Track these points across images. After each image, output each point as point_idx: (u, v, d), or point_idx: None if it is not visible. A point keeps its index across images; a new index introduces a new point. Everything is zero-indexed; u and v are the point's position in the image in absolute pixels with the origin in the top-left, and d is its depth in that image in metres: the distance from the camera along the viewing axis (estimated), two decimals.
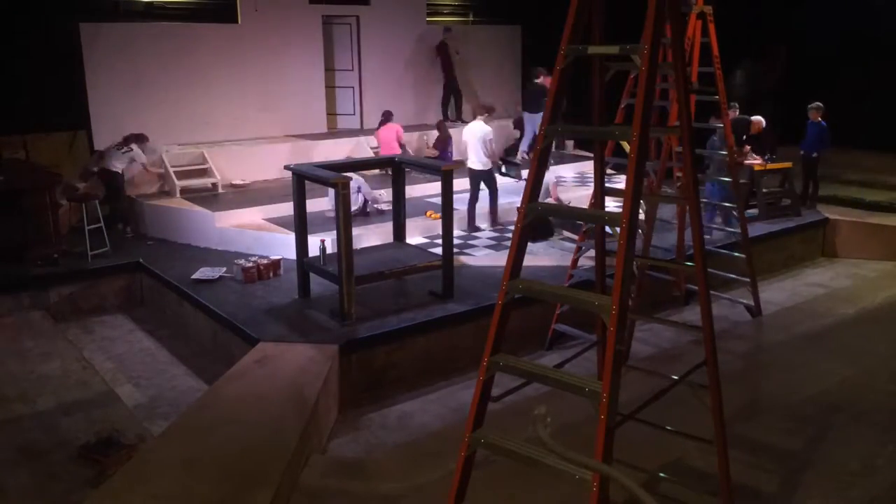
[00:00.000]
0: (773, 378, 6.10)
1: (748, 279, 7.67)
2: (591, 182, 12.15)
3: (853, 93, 12.78)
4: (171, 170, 10.15)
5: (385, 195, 9.28)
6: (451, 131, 11.96)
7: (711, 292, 7.21)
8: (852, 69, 12.98)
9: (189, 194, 10.07)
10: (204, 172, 10.52)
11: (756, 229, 9.54)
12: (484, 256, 8.63)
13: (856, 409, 5.48)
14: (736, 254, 7.82)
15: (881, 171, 12.06)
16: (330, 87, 12.94)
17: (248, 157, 11.20)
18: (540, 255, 8.60)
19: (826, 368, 6.21)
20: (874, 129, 12.32)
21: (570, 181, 11.90)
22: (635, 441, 5.02)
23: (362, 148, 11.92)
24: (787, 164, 10.53)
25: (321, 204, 9.32)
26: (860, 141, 12.62)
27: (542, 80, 11.80)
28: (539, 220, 7.20)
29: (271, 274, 7.95)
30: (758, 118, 10.33)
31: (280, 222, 9.34)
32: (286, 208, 9.41)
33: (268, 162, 11.16)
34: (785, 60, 13.68)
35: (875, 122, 12.34)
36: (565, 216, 6.75)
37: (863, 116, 12.47)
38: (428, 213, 9.52)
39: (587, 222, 6.51)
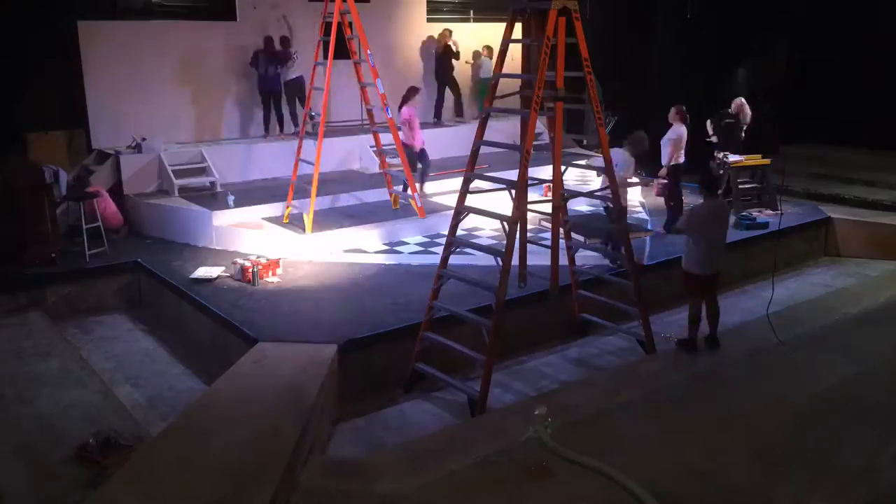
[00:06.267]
0: (774, 377, 6.06)
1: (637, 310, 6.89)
2: (591, 181, 12.12)
3: (855, 90, 12.75)
4: (170, 168, 10.12)
5: None
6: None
7: (608, 324, 7.30)
8: (854, 66, 12.94)
9: (187, 193, 10.04)
10: (202, 171, 10.49)
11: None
12: (484, 257, 8.56)
13: (858, 409, 5.45)
14: (624, 280, 6.96)
15: (884, 169, 12.01)
16: None
17: (246, 156, 11.18)
18: (540, 255, 8.55)
19: (828, 368, 6.18)
20: (877, 127, 12.27)
21: (572, 181, 11.83)
22: (636, 442, 5.00)
23: (362, 146, 11.89)
24: (766, 161, 10.63)
25: (323, 202, 9.32)
26: (863, 139, 12.59)
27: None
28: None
29: (270, 273, 7.91)
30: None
31: (278, 221, 9.33)
32: (284, 208, 9.43)
33: (266, 161, 11.14)
34: (785, 58, 13.64)
35: (878, 120, 12.29)
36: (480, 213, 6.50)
37: (866, 114, 12.42)
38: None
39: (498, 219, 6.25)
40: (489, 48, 13.26)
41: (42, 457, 5.14)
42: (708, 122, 10.77)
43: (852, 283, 9.13)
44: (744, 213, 10.09)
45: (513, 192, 6.10)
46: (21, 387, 6.16)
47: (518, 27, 6.54)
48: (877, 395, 5.69)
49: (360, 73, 9.46)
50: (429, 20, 13.64)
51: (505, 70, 6.41)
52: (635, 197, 11.48)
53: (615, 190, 6.67)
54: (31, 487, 4.81)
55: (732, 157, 10.57)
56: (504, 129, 11.22)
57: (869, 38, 12.84)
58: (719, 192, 10.37)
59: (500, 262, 5.98)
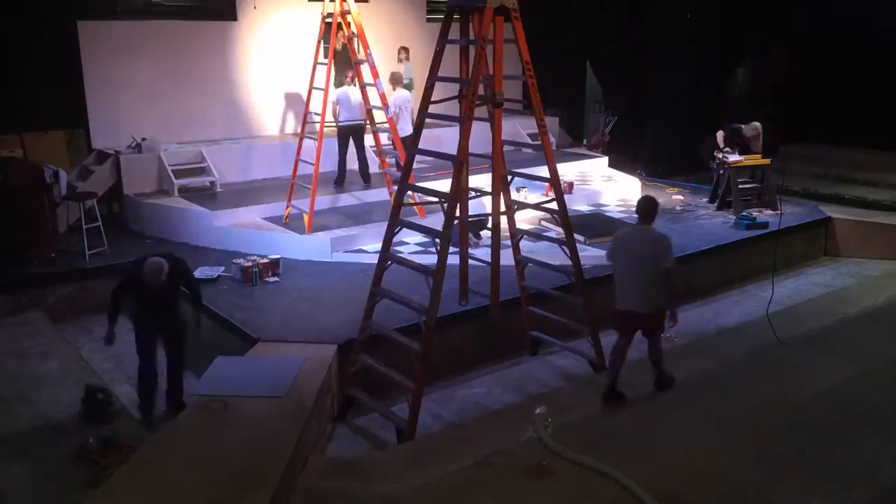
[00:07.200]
0: (774, 378, 6.06)
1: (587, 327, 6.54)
2: (591, 180, 12.13)
3: (856, 90, 12.74)
4: (169, 168, 10.12)
5: None
6: None
7: (557, 342, 6.85)
8: (855, 66, 12.94)
9: (187, 193, 10.03)
10: (202, 171, 10.49)
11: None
12: (485, 256, 8.56)
13: (858, 409, 5.45)
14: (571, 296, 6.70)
15: (884, 169, 12.01)
16: None
17: (246, 156, 11.18)
18: (540, 255, 8.56)
19: (828, 368, 6.17)
20: (877, 127, 12.27)
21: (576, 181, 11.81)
22: (636, 442, 5.00)
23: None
24: (765, 161, 10.67)
25: (323, 202, 9.29)
26: (863, 139, 12.58)
27: None
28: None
29: (270, 273, 7.91)
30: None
31: (278, 221, 9.32)
32: (284, 208, 9.42)
33: (266, 160, 11.13)
34: (786, 57, 13.64)
35: (878, 120, 12.29)
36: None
37: (866, 114, 12.42)
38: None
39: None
40: (406, 49, 12.63)
41: (42, 457, 5.14)
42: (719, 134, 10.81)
43: (852, 283, 9.12)
44: (744, 213, 10.09)
45: (445, 205, 5.60)
46: (21, 387, 6.16)
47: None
48: (877, 395, 5.69)
49: (360, 73, 9.46)
50: (428, 20, 13.64)
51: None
52: (635, 196, 11.48)
53: (561, 200, 6.33)
54: (31, 487, 4.82)
55: (732, 158, 10.58)
56: (503, 129, 11.22)
57: (869, 37, 12.84)
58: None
59: (430, 282, 5.51)
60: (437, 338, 6.66)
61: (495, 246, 6.42)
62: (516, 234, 6.82)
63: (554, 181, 6.30)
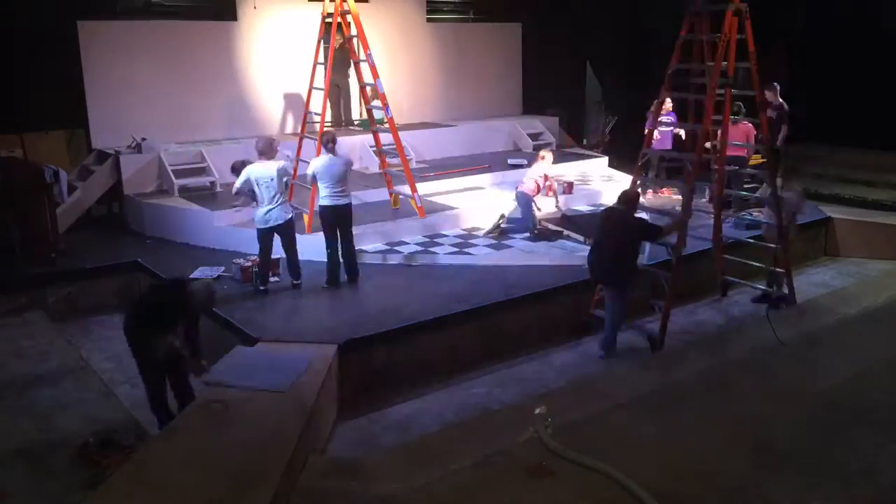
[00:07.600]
0: (774, 377, 6.06)
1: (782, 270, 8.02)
2: (591, 180, 12.12)
3: (856, 90, 12.74)
4: (170, 168, 10.12)
5: None
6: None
7: (743, 282, 8.29)
8: (855, 65, 12.94)
9: (187, 193, 10.04)
10: (202, 171, 10.49)
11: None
12: (485, 256, 8.58)
13: (857, 409, 5.44)
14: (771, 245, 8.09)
15: (884, 169, 12.01)
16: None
17: (246, 156, 11.14)
18: (540, 255, 8.57)
19: (827, 368, 6.17)
20: (877, 127, 12.27)
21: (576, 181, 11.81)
22: (636, 442, 5.00)
23: (362, 146, 11.88)
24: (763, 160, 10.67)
25: None
26: (863, 139, 12.59)
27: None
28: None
29: (270, 273, 7.90)
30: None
31: None
32: None
33: None
34: (786, 57, 13.64)
35: (878, 119, 12.29)
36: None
37: (866, 114, 12.43)
38: None
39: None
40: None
41: (42, 457, 5.14)
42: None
43: (852, 283, 9.11)
44: (744, 213, 10.08)
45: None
46: (21, 387, 6.16)
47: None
48: (877, 395, 5.68)
49: (360, 73, 9.46)
50: (429, 20, 13.65)
51: None
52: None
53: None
54: (31, 487, 4.82)
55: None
56: (503, 129, 11.25)
57: (869, 38, 12.85)
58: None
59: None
60: (436, 338, 6.75)
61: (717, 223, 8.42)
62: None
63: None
